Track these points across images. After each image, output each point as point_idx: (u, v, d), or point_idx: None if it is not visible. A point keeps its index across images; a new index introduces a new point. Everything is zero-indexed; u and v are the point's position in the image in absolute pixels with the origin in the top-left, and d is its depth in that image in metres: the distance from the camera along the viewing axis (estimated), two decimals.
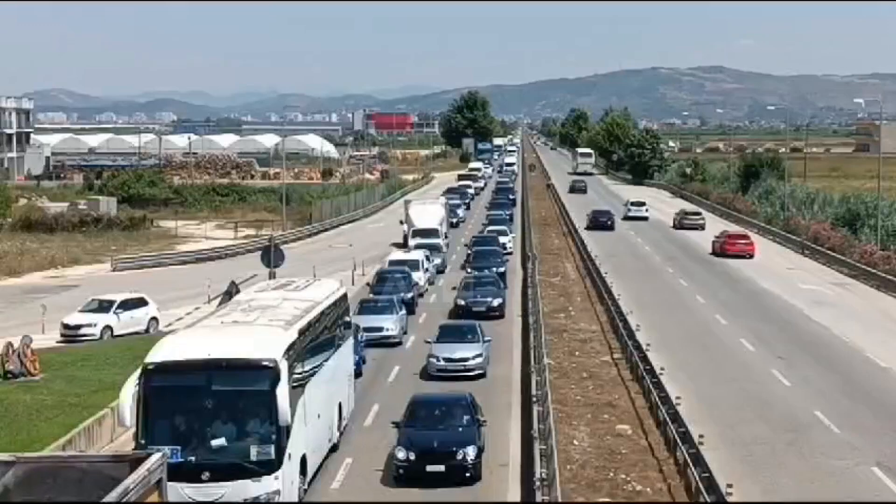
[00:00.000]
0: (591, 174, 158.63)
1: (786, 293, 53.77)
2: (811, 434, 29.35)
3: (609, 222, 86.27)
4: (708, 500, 21.94)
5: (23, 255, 67.24)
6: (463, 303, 46.55)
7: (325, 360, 26.87)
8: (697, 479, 23.06)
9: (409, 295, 47.54)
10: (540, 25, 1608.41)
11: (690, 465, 24.00)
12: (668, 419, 27.80)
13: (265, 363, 21.83)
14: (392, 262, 54.14)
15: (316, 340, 26.11)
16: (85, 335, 43.52)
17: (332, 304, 28.90)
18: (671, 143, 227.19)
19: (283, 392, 21.52)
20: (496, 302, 46.79)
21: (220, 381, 21.77)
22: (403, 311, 43.26)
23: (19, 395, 33.19)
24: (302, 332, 24.42)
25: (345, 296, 30.98)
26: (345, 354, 30.05)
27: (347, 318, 31.07)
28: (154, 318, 45.69)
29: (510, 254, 65.28)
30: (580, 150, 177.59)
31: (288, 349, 22.79)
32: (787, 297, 52.52)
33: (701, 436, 25.87)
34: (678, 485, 24.40)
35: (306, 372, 24.50)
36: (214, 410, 21.74)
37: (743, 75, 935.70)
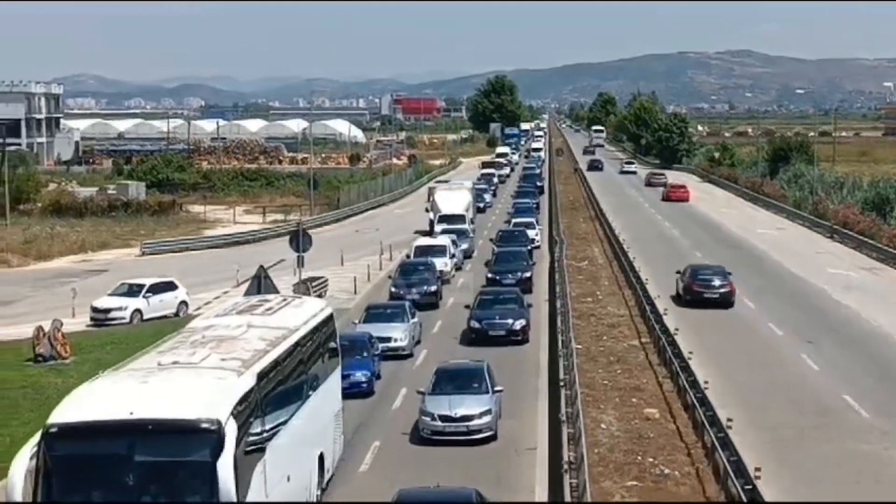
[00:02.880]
0: (601, 145, 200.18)
1: (814, 277, 53.51)
2: (840, 418, 29.28)
3: (600, 166, 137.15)
4: (736, 483, 21.92)
5: (53, 240, 67.87)
6: (478, 325, 38.40)
7: (299, 407, 21.57)
8: (725, 462, 23.06)
9: (433, 288, 45.77)
10: (566, 10, 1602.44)
11: (718, 448, 23.98)
12: (696, 403, 27.78)
13: (205, 426, 16.63)
14: (418, 248, 53.43)
15: (286, 383, 20.79)
16: (114, 319, 43.81)
17: (313, 331, 23.42)
18: (699, 128, 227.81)
19: (226, 464, 16.55)
20: (518, 324, 38.28)
21: (145, 450, 16.68)
22: (416, 319, 38.46)
23: (50, 378, 33.57)
24: (264, 376, 19.15)
25: (330, 317, 25.38)
26: (329, 391, 24.53)
27: (333, 344, 25.43)
28: (183, 302, 45.96)
29: (538, 247, 62.97)
30: (595, 127, 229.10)
31: (240, 402, 17.62)
32: (815, 282, 52.28)
33: (729, 419, 25.86)
34: (706, 468, 24.41)
35: (268, 430, 19.06)
36: (137, 488, 16.61)
37: (771, 59, 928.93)
